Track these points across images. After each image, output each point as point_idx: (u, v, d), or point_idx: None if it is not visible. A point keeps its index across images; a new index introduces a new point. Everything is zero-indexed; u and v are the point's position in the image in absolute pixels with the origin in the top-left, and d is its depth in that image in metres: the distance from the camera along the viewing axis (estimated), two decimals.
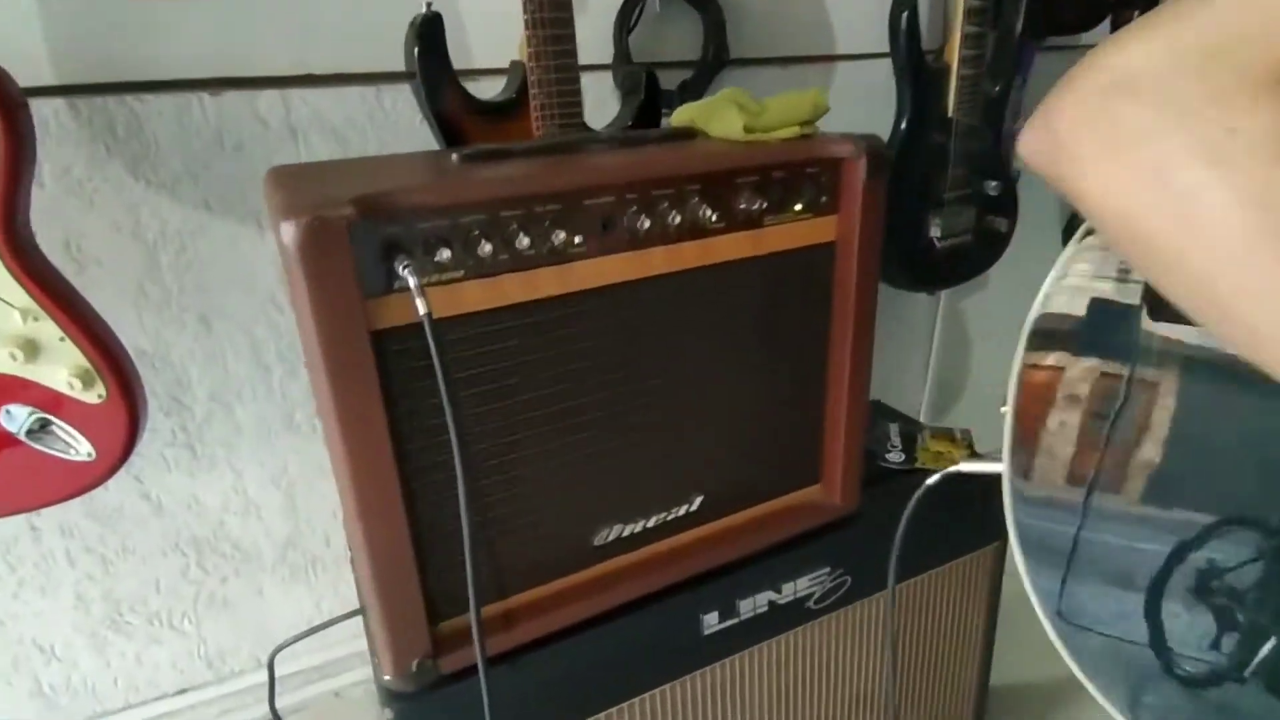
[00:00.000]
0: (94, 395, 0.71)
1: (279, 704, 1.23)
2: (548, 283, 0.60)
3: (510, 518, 0.66)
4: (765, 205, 0.66)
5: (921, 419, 1.38)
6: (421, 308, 0.52)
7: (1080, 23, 1.33)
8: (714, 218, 0.65)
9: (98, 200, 0.88)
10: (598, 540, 0.72)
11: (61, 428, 0.73)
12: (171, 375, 0.98)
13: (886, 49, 1.18)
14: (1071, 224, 1.36)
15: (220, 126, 0.91)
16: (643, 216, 0.61)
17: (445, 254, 0.54)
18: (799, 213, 0.70)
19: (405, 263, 0.52)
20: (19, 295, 0.68)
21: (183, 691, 1.15)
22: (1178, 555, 0.49)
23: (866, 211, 0.70)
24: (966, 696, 1.09)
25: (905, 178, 1.21)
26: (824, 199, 0.70)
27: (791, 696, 0.90)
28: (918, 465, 0.98)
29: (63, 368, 0.70)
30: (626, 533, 0.73)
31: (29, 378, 0.70)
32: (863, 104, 1.15)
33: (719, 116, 0.72)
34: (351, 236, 0.51)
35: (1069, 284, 0.52)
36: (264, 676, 1.05)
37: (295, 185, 0.58)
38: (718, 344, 0.71)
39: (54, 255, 0.72)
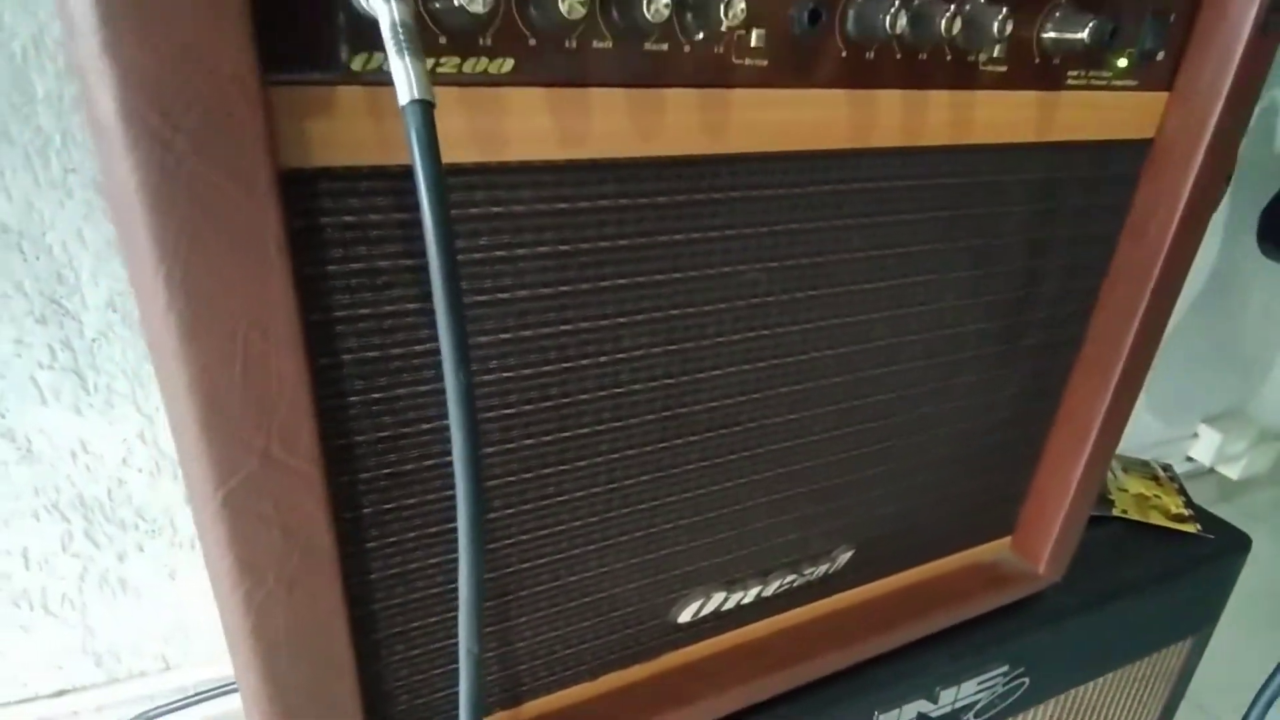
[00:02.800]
0: None
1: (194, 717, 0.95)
2: (686, 126, 0.29)
3: (538, 571, 0.36)
4: (1087, 39, 0.34)
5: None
6: (408, 88, 0.20)
7: None
8: (999, 50, 0.33)
9: None
10: (684, 614, 0.41)
11: None
12: (49, 266, 0.67)
13: None
14: None
15: None
16: (889, 11, 0.30)
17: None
18: (1120, 72, 0.38)
19: None
20: None
21: (61, 694, 0.87)
22: None
23: (1236, 92, 0.39)
24: None
25: None
26: (1160, 55, 0.39)
27: None
28: (1115, 512, 0.68)
29: None
30: (730, 604, 0.43)
31: None
32: None
33: None
34: None
35: None
36: (173, 681, 0.77)
37: None
38: (931, 299, 0.41)
39: None
